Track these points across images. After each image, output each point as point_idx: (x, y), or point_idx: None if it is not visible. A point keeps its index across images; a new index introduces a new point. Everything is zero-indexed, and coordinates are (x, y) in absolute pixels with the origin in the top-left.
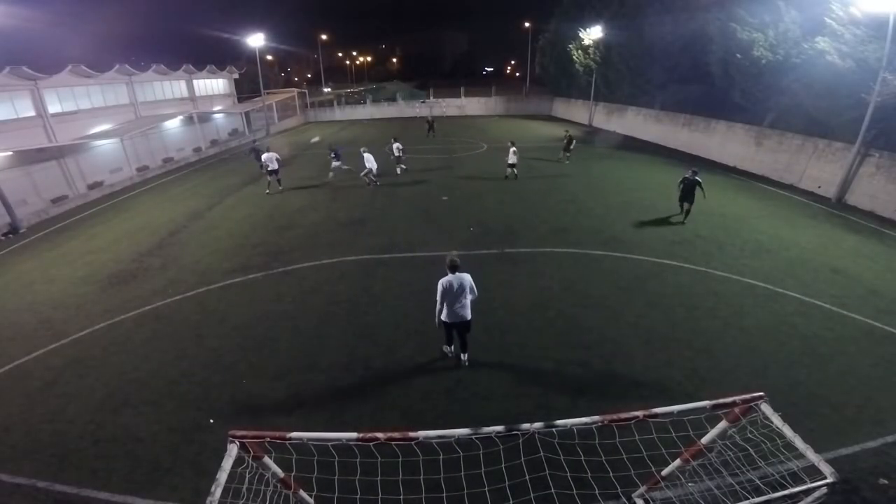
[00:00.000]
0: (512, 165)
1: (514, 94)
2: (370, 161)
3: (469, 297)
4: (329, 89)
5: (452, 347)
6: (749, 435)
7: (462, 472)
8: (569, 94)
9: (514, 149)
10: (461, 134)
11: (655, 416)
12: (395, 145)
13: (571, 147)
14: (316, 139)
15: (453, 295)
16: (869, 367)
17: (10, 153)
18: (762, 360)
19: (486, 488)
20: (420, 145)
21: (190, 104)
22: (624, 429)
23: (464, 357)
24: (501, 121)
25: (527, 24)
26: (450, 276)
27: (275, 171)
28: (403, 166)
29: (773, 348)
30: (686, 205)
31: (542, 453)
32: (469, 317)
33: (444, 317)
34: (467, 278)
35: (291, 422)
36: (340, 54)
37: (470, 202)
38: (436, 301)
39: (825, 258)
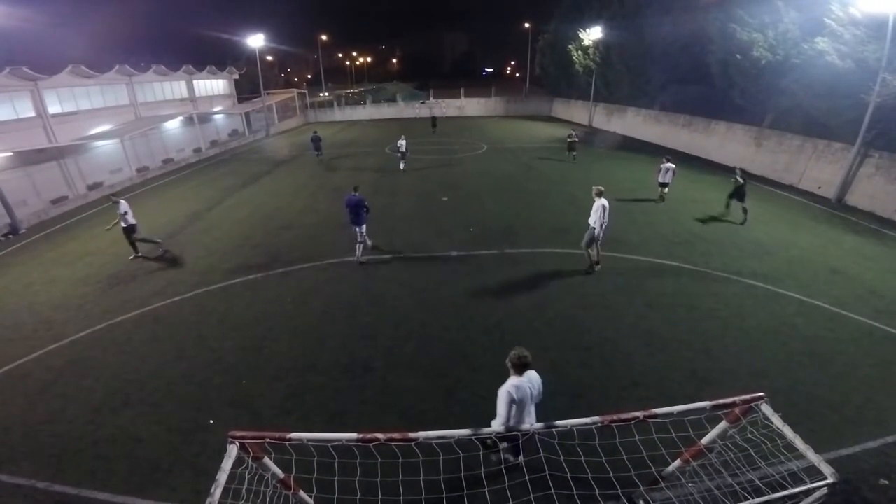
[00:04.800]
0: (664, 185)
1: (514, 94)
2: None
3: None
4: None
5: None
6: (749, 435)
7: (462, 473)
8: (569, 94)
9: (672, 165)
10: (461, 134)
11: (655, 416)
12: (402, 142)
13: (575, 148)
14: None
15: (523, 406)
16: (869, 367)
17: (10, 154)
18: (762, 361)
19: (486, 489)
20: (421, 146)
21: (190, 105)
22: (624, 429)
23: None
24: (501, 121)
25: (526, 25)
26: (517, 381)
27: (131, 229)
28: (404, 164)
29: (773, 349)
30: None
31: (541, 454)
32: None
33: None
34: (538, 381)
35: (291, 422)
36: (340, 55)
37: (470, 203)
38: (498, 414)
39: (825, 259)
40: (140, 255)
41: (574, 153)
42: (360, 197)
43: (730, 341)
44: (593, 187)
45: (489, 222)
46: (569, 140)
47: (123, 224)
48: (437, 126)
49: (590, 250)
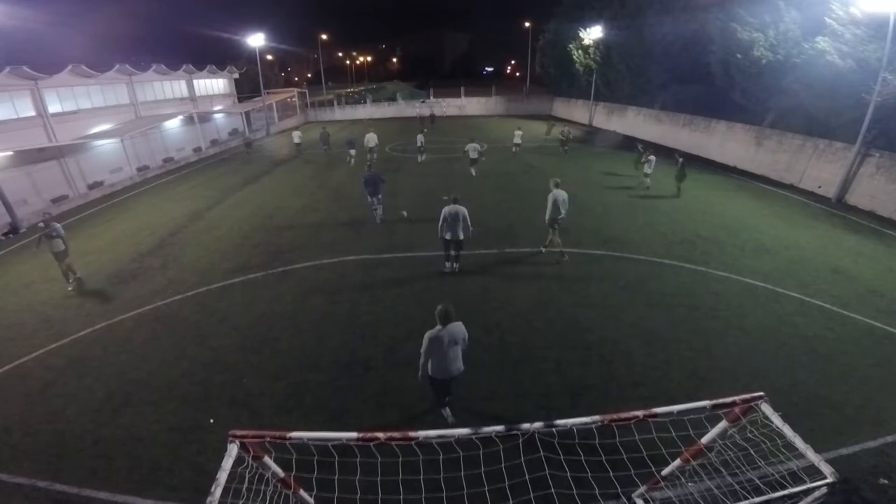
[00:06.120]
0: (647, 175)
1: (515, 94)
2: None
3: (460, 349)
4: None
5: (448, 410)
6: (749, 435)
7: (462, 472)
8: (569, 94)
9: (653, 158)
10: (461, 133)
11: (655, 415)
12: (420, 137)
13: (568, 143)
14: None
15: (442, 351)
16: (869, 367)
17: (11, 153)
18: (762, 360)
19: (486, 488)
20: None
21: (190, 104)
22: (624, 429)
23: (447, 413)
24: (502, 121)
25: (527, 24)
26: (439, 330)
27: (65, 254)
28: (424, 156)
29: (773, 348)
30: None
31: (542, 453)
32: (462, 368)
33: (431, 372)
34: (460, 331)
35: (291, 421)
36: (340, 54)
37: (470, 202)
38: (419, 354)
39: (825, 258)
40: (78, 278)
41: (566, 148)
42: (375, 173)
43: (730, 341)
44: (550, 179)
45: (489, 221)
46: (562, 137)
47: (53, 249)
48: (434, 121)
49: (553, 236)
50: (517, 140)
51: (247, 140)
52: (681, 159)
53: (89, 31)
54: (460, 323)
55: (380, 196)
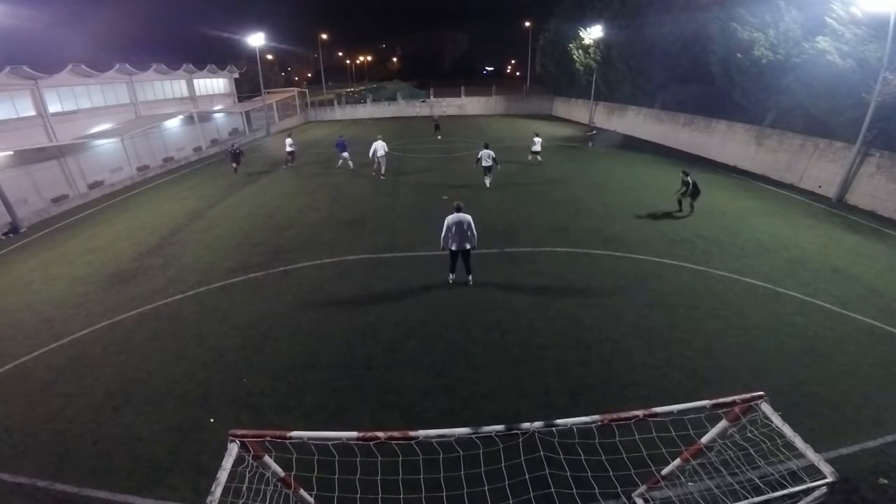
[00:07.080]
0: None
1: (515, 93)
2: (381, 148)
3: (467, 231)
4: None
5: (452, 276)
6: (749, 434)
7: (462, 472)
8: (569, 93)
9: (488, 152)
10: (462, 133)
11: (655, 415)
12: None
13: (593, 137)
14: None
15: (457, 229)
16: (869, 366)
17: (11, 153)
18: (762, 360)
19: (486, 487)
20: (421, 144)
21: (190, 103)
22: (624, 428)
23: (451, 278)
24: (502, 120)
25: (527, 24)
26: (453, 216)
27: None
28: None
29: (773, 348)
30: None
31: (542, 452)
32: (470, 246)
33: (451, 246)
34: (466, 218)
35: (292, 421)
36: (340, 54)
37: (470, 201)
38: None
39: (825, 258)
40: None
41: (591, 143)
42: (343, 139)
43: (730, 340)
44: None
45: (489, 221)
46: (589, 133)
47: None
48: (438, 128)
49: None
50: (536, 147)
51: (234, 149)
52: (688, 178)
53: (89, 31)
54: (467, 215)
55: (347, 153)
